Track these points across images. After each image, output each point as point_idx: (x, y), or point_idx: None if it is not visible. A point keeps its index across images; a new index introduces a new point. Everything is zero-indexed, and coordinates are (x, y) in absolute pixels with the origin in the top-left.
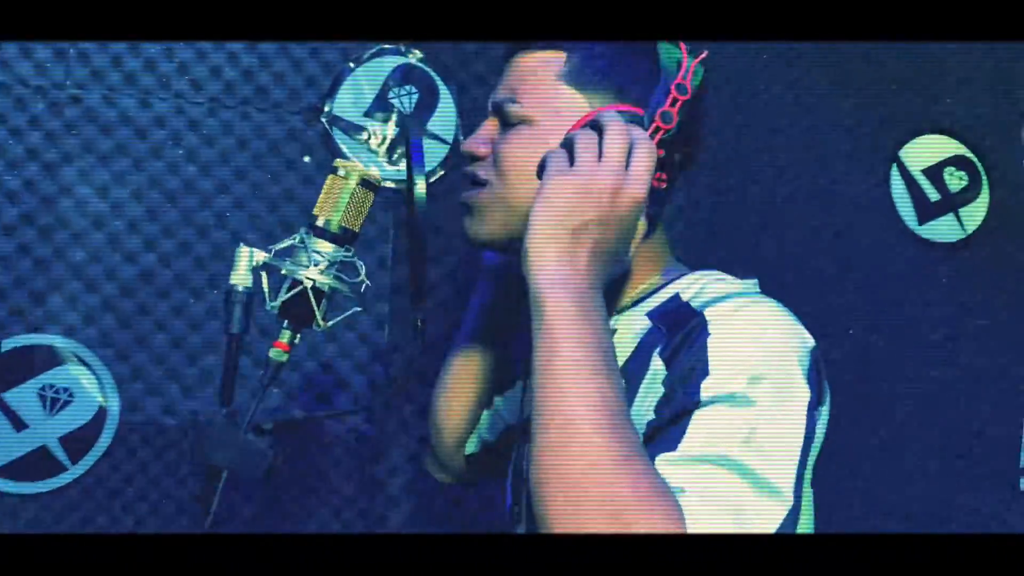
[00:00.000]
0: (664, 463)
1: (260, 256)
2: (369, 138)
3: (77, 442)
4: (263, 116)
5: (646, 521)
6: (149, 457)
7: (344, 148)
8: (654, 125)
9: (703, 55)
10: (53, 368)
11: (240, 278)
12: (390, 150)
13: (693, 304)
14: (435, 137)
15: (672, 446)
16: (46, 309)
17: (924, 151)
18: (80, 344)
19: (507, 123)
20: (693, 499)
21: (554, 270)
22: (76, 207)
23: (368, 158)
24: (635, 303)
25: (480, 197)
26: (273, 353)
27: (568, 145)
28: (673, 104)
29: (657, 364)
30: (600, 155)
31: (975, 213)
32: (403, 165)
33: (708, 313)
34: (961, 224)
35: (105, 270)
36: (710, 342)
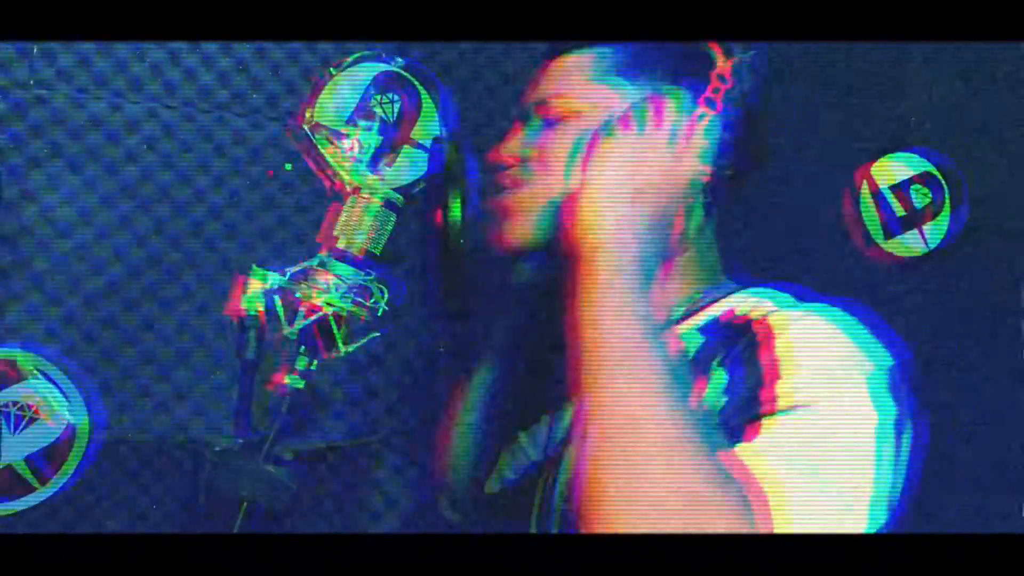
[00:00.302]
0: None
1: (274, 278)
2: (352, 146)
3: (45, 461)
4: (241, 122)
5: (719, 518)
6: (121, 476)
7: (326, 156)
8: (697, 112)
9: (751, 53)
10: (15, 384)
11: (252, 301)
12: (374, 159)
13: (753, 315)
14: (419, 146)
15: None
16: (5, 322)
17: (892, 168)
18: (45, 359)
19: (549, 122)
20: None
21: (613, 233)
22: (41, 214)
23: (351, 167)
24: (687, 315)
25: (518, 197)
26: (290, 379)
27: (627, 113)
28: (715, 92)
29: (718, 374)
30: (661, 121)
31: (939, 229)
32: (386, 175)
33: (773, 319)
34: (925, 240)
35: (71, 280)
36: (777, 347)
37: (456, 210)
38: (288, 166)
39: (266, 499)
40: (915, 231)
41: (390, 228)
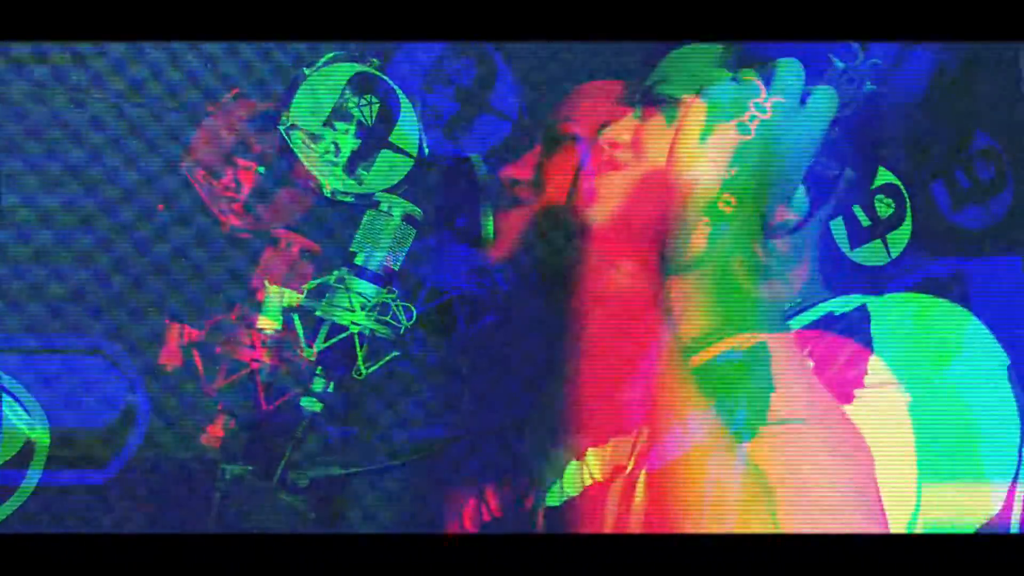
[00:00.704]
0: None
1: (292, 297)
2: (329, 149)
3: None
4: (211, 121)
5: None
6: (85, 496)
7: (302, 158)
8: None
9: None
10: None
11: (270, 319)
12: (351, 162)
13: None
14: (399, 150)
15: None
16: None
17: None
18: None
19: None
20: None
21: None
22: None
23: (328, 170)
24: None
25: (609, 180)
26: (306, 402)
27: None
28: (751, 119)
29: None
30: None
31: (900, 238)
32: (364, 179)
33: (871, 304)
34: (887, 249)
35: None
36: (873, 330)
37: (489, 227)
38: (261, 168)
39: (277, 528)
40: (879, 241)
41: (409, 243)
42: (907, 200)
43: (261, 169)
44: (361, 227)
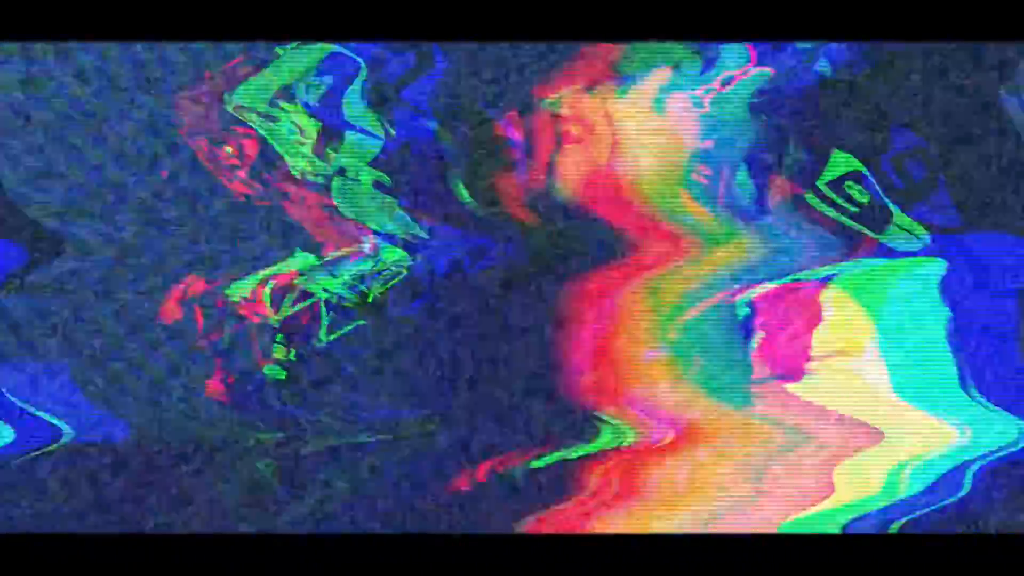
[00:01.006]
0: None
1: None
2: (292, 129)
3: None
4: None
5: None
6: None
7: (268, 139)
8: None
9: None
10: None
11: (241, 289)
12: (319, 142)
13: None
14: (363, 131)
15: None
16: None
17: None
18: None
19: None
20: None
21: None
22: None
23: (295, 150)
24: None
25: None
26: (268, 370)
27: None
28: (706, 93)
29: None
30: None
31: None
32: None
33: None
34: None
35: None
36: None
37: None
38: (229, 149)
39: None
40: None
41: (394, 210)
42: (875, 185)
43: (229, 150)
44: (333, 194)
